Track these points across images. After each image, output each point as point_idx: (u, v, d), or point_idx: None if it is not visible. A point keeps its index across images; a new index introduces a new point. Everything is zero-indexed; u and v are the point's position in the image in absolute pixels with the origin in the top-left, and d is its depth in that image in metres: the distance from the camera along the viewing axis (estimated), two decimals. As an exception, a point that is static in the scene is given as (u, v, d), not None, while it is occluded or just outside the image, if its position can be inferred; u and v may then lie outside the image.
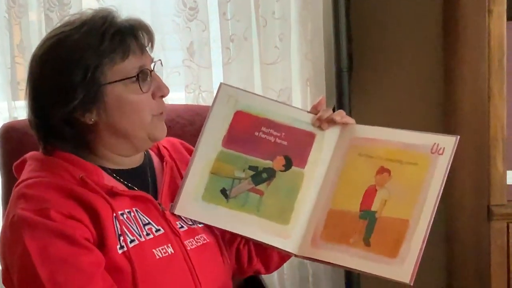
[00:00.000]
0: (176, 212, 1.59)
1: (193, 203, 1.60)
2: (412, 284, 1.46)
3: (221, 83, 1.68)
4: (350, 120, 1.64)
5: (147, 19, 2.40)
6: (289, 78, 2.49)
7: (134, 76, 1.50)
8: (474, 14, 2.15)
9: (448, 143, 1.55)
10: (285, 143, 1.63)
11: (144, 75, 1.52)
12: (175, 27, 2.45)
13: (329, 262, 1.56)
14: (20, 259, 1.42)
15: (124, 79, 1.49)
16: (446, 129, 2.54)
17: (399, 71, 2.61)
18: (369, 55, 2.57)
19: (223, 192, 1.61)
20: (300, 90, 2.53)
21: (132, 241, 1.49)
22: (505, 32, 2.01)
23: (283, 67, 2.48)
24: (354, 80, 2.51)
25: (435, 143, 1.56)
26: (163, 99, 1.58)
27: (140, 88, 1.51)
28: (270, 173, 1.62)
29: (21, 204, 1.45)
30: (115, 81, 1.49)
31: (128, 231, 1.49)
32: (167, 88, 1.56)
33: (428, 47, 2.60)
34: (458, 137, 1.55)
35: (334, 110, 2.39)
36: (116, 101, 1.50)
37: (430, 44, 2.59)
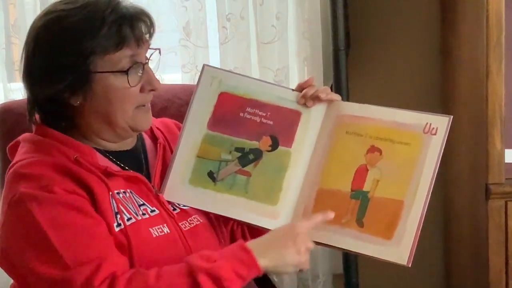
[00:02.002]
0: (164, 197, 1.58)
1: (181, 188, 1.59)
2: (410, 266, 1.46)
3: (204, 65, 1.67)
4: (336, 96, 1.62)
5: (143, -1, 2.40)
6: (286, 57, 2.48)
7: (124, 71, 1.48)
8: (472, -10, 2.14)
9: (441, 123, 1.53)
10: (271, 122, 1.61)
11: (134, 68, 1.49)
12: (171, 6, 2.44)
13: (320, 243, 1.54)
14: (29, 235, 1.39)
15: (114, 72, 1.47)
16: (444, 107, 2.54)
17: (396, 49, 2.60)
18: (367, 34, 2.56)
19: (210, 175, 1.60)
20: (297, 69, 2.52)
21: (129, 219, 1.49)
22: (504, 8, 2.00)
23: (280, 46, 2.47)
24: (352, 58, 2.50)
25: (427, 123, 1.54)
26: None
27: (128, 81, 1.48)
28: (257, 154, 1.60)
29: (23, 184, 1.43)
30: (105, 72, 1.47)
31: (125, 209, 1.49)
32: (158, 82, 1.54)
33: (425, 25, 2.59)
34: (451, 117, 1.53)
35: (332, 89, 2.41)
36: (103, 89, 1.48)
37: (427, 21, 2.58)
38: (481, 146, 2.09)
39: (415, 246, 1.46)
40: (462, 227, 2.42)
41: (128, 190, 1.53)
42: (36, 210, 1.39)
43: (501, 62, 2.02)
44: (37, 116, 1.56)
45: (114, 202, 1.48)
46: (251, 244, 1.45)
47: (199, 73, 1.66)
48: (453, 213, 2.53)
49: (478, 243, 2.18)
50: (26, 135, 1.56)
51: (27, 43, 1.51)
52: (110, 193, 1.48)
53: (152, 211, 1.54)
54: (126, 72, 1.48)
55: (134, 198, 1.53)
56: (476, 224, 2.20)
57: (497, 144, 2.04)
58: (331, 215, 1.51)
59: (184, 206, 1.60)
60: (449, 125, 1.52)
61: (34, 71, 1.50)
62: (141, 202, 1.54)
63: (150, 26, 1.53)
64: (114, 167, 1.54)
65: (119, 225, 1.47)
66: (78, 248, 1.38)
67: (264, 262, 1.42)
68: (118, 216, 1.47)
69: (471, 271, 2.32)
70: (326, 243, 1.54)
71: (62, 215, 1.40)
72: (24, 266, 1.41)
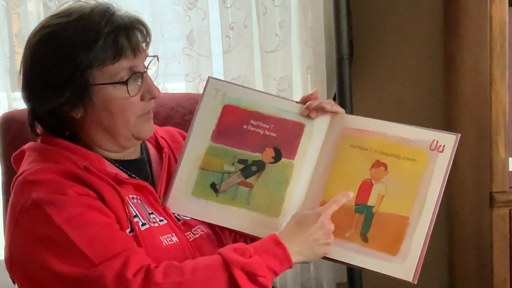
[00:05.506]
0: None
1: (183, 199, 1.60)
2: (416, 283, 1.45)
3: (209, 77, 1.68)
4: (340, 109, 1.63)
5: (146, 8, 2.41)
6: (289, 66, 2.48)
7: (123, 82, 1.48)
8: (476, -1, 2.14)
9: (448, 140, 1.52)
10: (274, 134, 1.62)
11: (133, 78, 1.49)
12: (174, 15, 2.44)
13: (324, 257, 1.54)
14: (49, 238, 1.38)
15: (112, 83, 1.47)
16: (447, 115, 2.54)
17: (400, 58, 2.59)
18: (370, 42, 2.56)
19: (213, 186, 1.61)
20: (300, 78, 2.52)
21: (143, 224, 1.49)
22: (507, 17, 2.00)
23: (283, 54, 2.47)
24: (355, 67, 2.50)
25: (434, 140, 1.53)
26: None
27: (128, 92, 1.49)
28: (260, 166, 1.61)
29: (34, 191, 1.42)
30: (104, 84, 1.47)
31: (140, 214, 1.50)
32: (157, 90, 1.54)
33: (429, 33, 2.58)
34: (459, 135, 1.52)
35: (335, 98, 2.41)
36: (103, 101, 1.48)
37: (431, 30, 2.58)
38: (485, 154, 2.09)
39: (421, 263, 1.45)
40: (466, 235, 2.42)
41: (138, 198, 1.53)
42: (54, 212, 1.39)
43: (505, 70, 2.01)
44: (39, 127, 1.55)
45: (127, 207, 1.47)
46: (283, 236, 1.48)
47: (204, 84, 1.67)
48: (457, 221, 2.53)
49: (482, 251, 2.18)
50: (31, 144, 1.56)
51: (24, 58, 1.51)
52: (123, 199, 1.47)
53: (161, 220, 1.54)
54: (125, 83, 1.48)
55: (144, 206, 1.54)
56: (480, 232, 2.20)
57: (501, 152, 2.04)
58: (350, 194, 1.53)
59: (185, 217, 1.61)
60: (457, 143, 1.51)
61: (32, 86, 1.49)
62: (150, 211, 1.54)
63: (146, 34, 1.53)
64: (123, 175, 1.55)
65: (131, 231, 1.47)
66: (102, 244, 1.38)
67: (296, 257, 1.47)
68: (132, 221, 1.47)
69: (476, 279, 2.31)
70: (330, 256, 1.54)
71: (80, 214, 1.40)
72: (43, 270, 1.39)
